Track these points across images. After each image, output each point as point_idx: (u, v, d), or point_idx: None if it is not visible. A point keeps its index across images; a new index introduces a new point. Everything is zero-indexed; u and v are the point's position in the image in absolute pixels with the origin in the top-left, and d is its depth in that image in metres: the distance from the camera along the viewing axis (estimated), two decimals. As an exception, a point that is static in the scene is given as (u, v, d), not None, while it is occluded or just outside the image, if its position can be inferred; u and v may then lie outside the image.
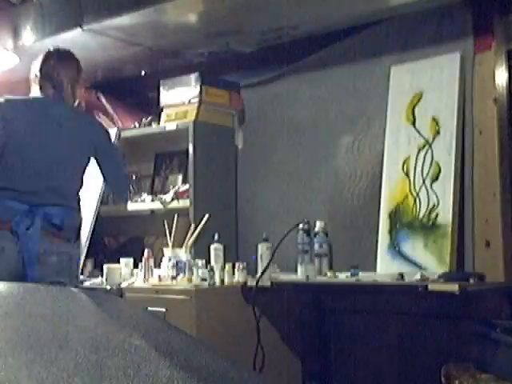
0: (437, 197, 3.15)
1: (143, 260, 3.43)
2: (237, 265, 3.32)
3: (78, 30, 3.51)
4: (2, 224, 2.83)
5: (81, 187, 3.07)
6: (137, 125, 4.19)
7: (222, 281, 3.26)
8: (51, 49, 3.13)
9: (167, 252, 3.42)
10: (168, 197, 3.83)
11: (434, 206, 3.15)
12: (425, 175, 3.20)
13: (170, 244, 3.46)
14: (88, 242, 3.83)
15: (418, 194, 3.22)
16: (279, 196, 3.79)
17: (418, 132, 3.27)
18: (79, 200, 3.06)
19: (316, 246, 3.28)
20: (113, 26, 3.48)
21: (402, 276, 2.91)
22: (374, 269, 3.26)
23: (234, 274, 3.30)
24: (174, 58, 3.99)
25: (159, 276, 3.34)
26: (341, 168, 3.58)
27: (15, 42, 3.81)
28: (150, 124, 4.08)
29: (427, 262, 3.11)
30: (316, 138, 3.69)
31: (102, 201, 3.98)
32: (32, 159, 2.93)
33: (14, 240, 2.81)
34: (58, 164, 2.98)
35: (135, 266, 3.55)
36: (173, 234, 3.48)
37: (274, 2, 3.22)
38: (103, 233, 4.23)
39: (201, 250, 3.46)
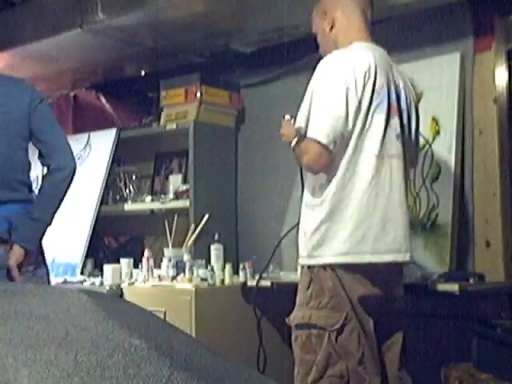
0: (437, 197, 3.15)
1: (143, 260, 3.43)
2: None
3: (78, 30, 3.51)
4: None
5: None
6: (137, 125, 4.19)
7: (222, 281, 3.27)
8: None
9: (167, 252, 3.42)
10: (168, 197, 3.83)
11: (433, 205, 3.15)
12: (425, 175, 3.20)
13: (170, 244, 3.47)
14: (88, 242, 3.83)
15: (417, 194, 3.22)
16: (279, 196, 3.79)
17: (418, 132, 3.27)
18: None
19: (316, 246, 3.28)
20: (113, 25, 3.48)
21: (402, 276, 2.91)
22: (374, 269, 3.26)
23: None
24: (174, 58, 3.99)
25: (159, 276, 3.34)
26: (341, 168, 3.58)
27: (15, 41, 3.81)
28: (150, 124, 4.08)
29: (427, 262, 3.11)
30: (316, 137, 3.69)
31: (102, 201, 3.98)
32: None
33: None
34: None
35: (135, 266, 3.55)
36: (173, 234, 3.49)
37: (274, 2, 3.22)
38: (103, 233, 4.23)
39: (201, 250, 3.46)
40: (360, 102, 2.25)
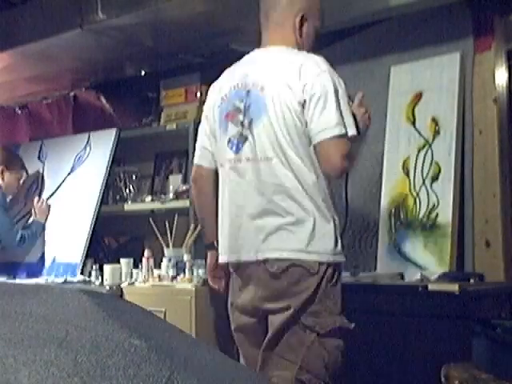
0: (437, 197, 3.15)
1: (143, 260, 3.43)
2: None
3: (78, 30, 3.51)
4: None
5: None
6: (137, 125, 4.19)
7: (222, 281, 3.26)
8: None
9: (167, 252, 3.42)
10: (168, 197, 3.83)
11: (433, 205, 3.15)
12: (425, 175, 3.20)
13: (171, 244, 3.46)
14: (88, 242, 3.83)
15: (418, 194, 3.22)
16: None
17: (418, 132, 3.27)
18: None
19: (316, 246, 3.28)
20: (113, 25, 3.48)
21: (401, 276, 2.91)
22: (374, 269, 3.26)
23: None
24: (174, 58, 3.99)
25: (159, 276, 3.34)
26: (341, 168, 3.57)
27: (15, 41, 3.81)
28: (150, 124, 4.08)
29: (427, 261, 3.11)
30: (316, 137, 3.68)
31: (102, 201, 3.98)
32: None
33: None
34: None
35: (135, 265, 3.55)
36: (173, 234, 3.48)
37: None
38: (103, 233, 4.23)
39: (201, 250, 3.45)
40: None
